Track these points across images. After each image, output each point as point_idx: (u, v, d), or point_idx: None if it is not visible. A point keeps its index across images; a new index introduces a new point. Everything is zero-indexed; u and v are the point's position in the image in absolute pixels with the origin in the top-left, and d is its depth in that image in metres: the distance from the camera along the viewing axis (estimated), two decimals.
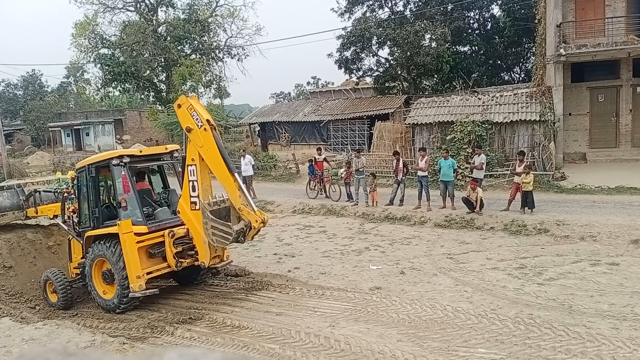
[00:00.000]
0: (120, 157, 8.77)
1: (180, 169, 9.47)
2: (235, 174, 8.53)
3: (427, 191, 14.16)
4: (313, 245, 12.16)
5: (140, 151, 8.93)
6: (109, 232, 8.80)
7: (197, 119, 8.40)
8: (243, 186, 8.72)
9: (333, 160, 21.64)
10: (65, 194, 10.34)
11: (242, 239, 8.41)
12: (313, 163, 17.76)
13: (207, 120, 8.39)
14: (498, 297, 8.12)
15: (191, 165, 8.60)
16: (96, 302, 9.16)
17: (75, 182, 9.96)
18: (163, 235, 8.84)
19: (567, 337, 6.53)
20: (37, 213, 11.18)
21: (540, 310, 7.43)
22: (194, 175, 8.57)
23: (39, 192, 11.62)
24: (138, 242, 8.58)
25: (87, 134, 43.75)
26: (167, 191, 10.18)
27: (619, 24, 17.60)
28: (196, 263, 8.91)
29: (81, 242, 9.60)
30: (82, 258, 9.68)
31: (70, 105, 57.04)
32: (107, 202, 9.85)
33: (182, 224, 8.96)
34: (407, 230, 13.01)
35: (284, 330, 7.37)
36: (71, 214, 10.04)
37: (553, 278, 8.80)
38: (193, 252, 8.91)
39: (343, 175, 16.60)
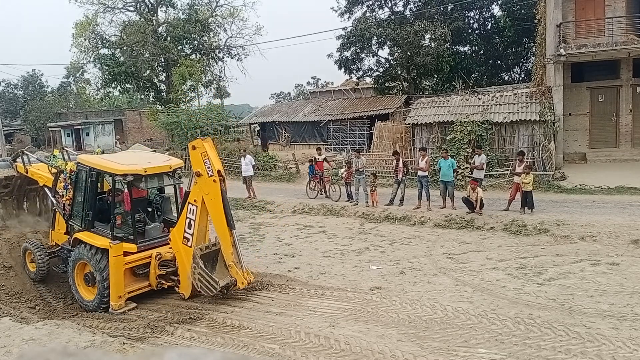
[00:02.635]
0: (124, 175, 8.78)
1: (181, 187, 9.57)
2: (234, 231, 8.62)
3: (427, 191, 14.16)
4: (313, 245, 12.16)
5: (145, 171, 8.97)
6: (99, 246, 8.89)
7: (208, 168, 8.49)
8: (237, 243, 8.80)
9: (333, 160, 21.62)
10: (62, 183, 10.37)
11: (225, 291, 8.65)
12: (313, 163, 17.75)
13: (218, 171, 8.47)
14: (498, 297, 8.13)
15: (193, 205, 8.70)
16: (74, 297, 9.50)
17: (74, 175, 9.96)
18: (150, 256, 9.01)
19: (567, 337, 6.53)
20: (27, 173, 11.29)
21: (540, 310, 7.43)
22: (193, 214, 8.69)
23: (26, 153, 11.74)
24: (126, 264, 8.73)
25: (87, 134, 43.73)
26: (162, 198, 10.20)
27: (619, 24, 17.59)
28: (176, 289, 9.07)
29: (66, 223, 9.92)
30: (65, 234, 9.98)
31: (70, 105, 56.96)
32: (102, 192, 9.92)
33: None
34: (407, 230, 13.01)
35: (284, 330, 7.37)
36: (65, 201, 10.14)
37: (553, 278, 8.80)
38: (176, 278, 9.06)
39: (344, 175, 16.58)
